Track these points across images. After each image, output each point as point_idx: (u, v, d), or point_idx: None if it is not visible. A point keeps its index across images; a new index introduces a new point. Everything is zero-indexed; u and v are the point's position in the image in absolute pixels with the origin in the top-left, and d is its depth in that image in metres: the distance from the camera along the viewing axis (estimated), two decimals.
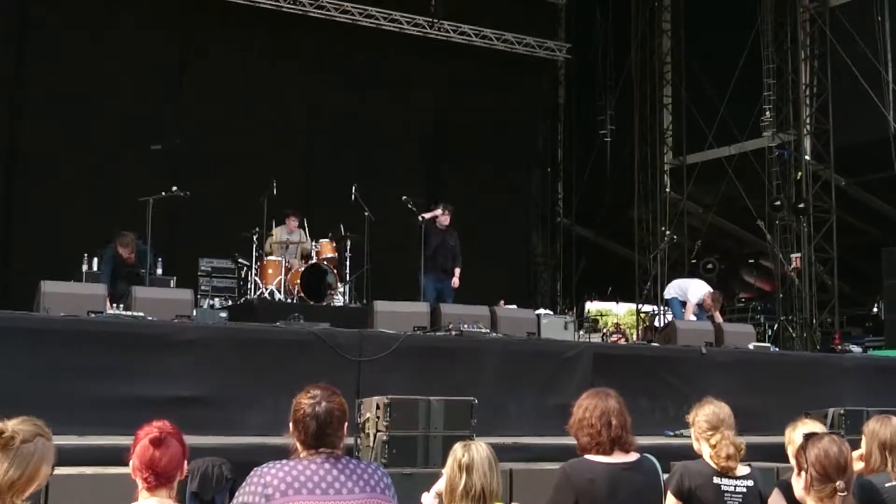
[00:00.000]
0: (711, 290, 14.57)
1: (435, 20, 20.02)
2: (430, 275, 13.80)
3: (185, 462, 3.72)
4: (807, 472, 3.85)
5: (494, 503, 4.43)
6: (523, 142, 22.20)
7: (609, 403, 4.50)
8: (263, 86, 18.36)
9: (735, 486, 4.84)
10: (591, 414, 4.47)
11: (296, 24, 18.90)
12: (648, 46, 22.11)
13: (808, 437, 3.95)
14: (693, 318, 14.15)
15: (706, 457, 4.92)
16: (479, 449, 4.50)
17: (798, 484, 3.93)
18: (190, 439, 6.93)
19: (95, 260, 13.18)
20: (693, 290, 14.58)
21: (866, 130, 18.10)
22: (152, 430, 3.65)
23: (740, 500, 4.84)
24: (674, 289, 15.20)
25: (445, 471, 4.53)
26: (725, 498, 4.82)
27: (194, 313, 10.65)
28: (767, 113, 19.11)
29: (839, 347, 14.48)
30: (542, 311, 15.80)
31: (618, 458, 4.45)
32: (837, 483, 3.76)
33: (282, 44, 18.81)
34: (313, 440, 3.56)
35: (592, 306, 23.82)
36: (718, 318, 14.27)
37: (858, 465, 4.86)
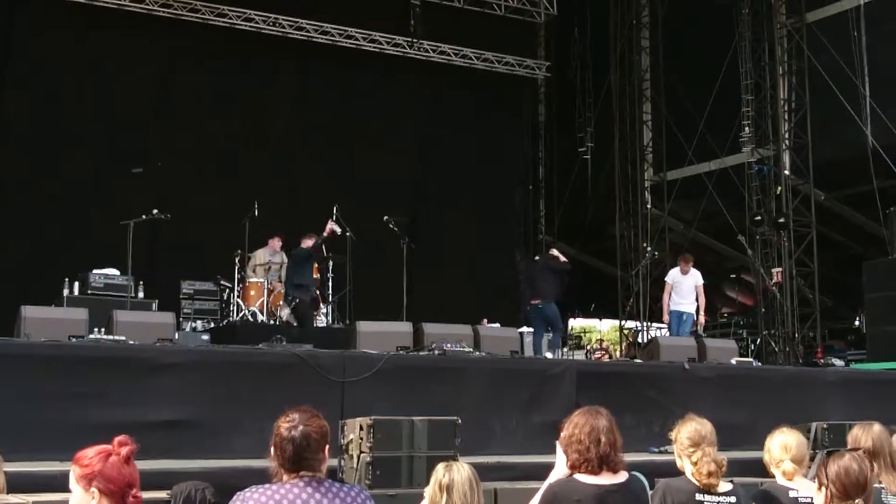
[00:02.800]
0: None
1: (415, 40, 20.08)
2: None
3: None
4: (827, 489, 3.88)
5: None
6: (505, 160, 22.23)
7: (599, 421, 4.45)
8: (245, 108, 18.35)
9: (718, 503, 4.84)
10: (581, 431, 4.42)
11: (276, 45, 18.90)
12: (627, 64, 22.22)
13: (830, 453, 3.99)
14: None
15: (688, 474, 4.92)
16: (461, 469, 4.48)
17: (818, 499, 3.96)
18: (173, 463, 6.94)
19: (77, 284, 13.13)
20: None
21: (845, 145, 18.22)
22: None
23: None
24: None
25: (427, 491, 4.52)
26: None
27: (176, 336, 10.63)
28: (746, 128, 19.23)
29: (821, 361, 14.48)
30: (525, 329, 15.80)
31: (606, 478, 4.39)
32: (857, 501, 3.81)
33: (262, 65, 18.82)
34: (291, 464, 3.55)
35: (576, 323, 23.87)
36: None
37: None
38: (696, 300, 15.06)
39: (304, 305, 13.43)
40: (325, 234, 13.64)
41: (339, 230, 13.93)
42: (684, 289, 15.06)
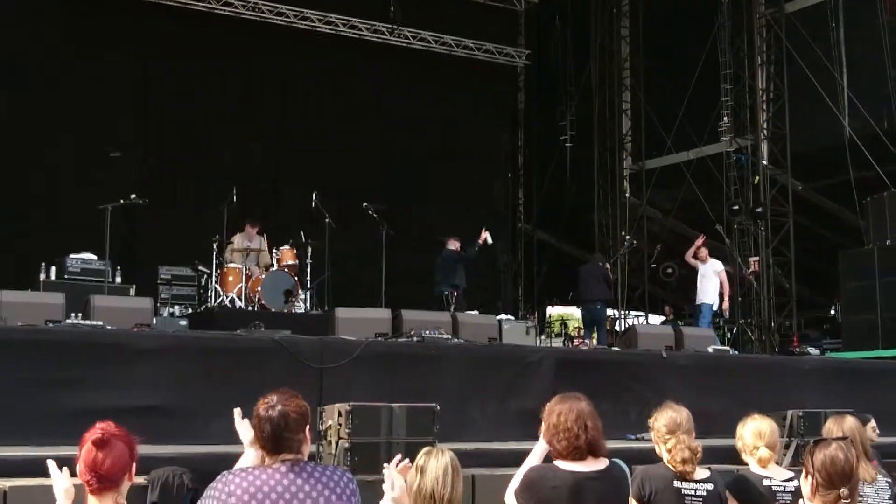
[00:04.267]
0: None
1: (395, 26, 20.03)
2: None
3: (134, 465, 3.58)
4: (812, 477, 3.91)
5: None
6: (484, 148, 22.23)
7: (582, 406, 4.44)
8: (223, 93, 18.29)
9: (695, 490, 4.87)
10: (567, 418, 4.37)
11: (255, 31, 18.84)
12: (607, 52, 22.26)
13: (817, 442, 4.02)
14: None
15: (667, 460, 4.94)
16: (441, 455, 4.49)
17: (805, 487, 3.99)
18: (151, 449, 6.91)
19: (53, 269, 13.06)
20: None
21: (822, 135, 18.31)
22: (96, 431, 3.51)
23: (700, 503, 4.87)
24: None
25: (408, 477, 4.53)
26: (686, 501, 4.85)
27: (154, 322, 10.58)
28: (725, 118, 19.31)
29: (797, 350, 14.57)
30: (503, 316, 15.84)
31: (587, 465, 4.36)
32: (842, 490, 3.83)
33: (241, 51, 18.73)
34: (271, 445, 3.53)
35: (554, 311, 23.90)
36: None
37: None
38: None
39: (461, 302, 14.37)
40: (479, 242, 14.61)
41: (490, 240, 14.73)
42: None
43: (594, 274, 16.16)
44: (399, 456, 4.54)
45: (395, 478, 4.49)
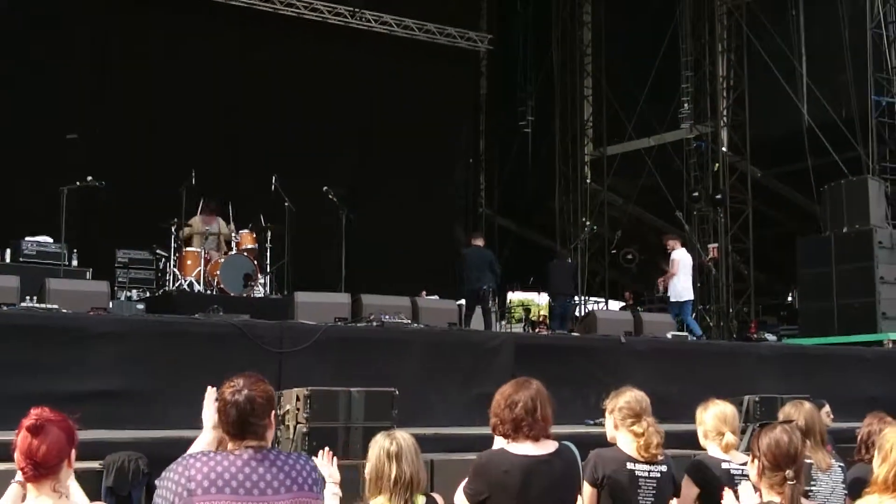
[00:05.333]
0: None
1: (356, 9, 19.93)
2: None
3: (73, 450, 3.48)
4: (759, 460, 3.99)
5: (417, 495, 4.42)
6: (445, 133, 22.21)
7: (529, 391, 4.44)
8: (184, 75, 18.11)
9: (649, 472, 4.89)
10: (511, 400, 4.41)
11: (217, 13, 18.68)
12: (569, 39, 22.28)
13: (763, 426, 4.08)
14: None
15: (623, 444, 4.95)
16: (405, 437, 4.49)
17: (752, 470, 4.06)
18: (106, 433, 6.85)
19: (8, 252, 12.90)
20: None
21: (781, 123, 18.45)
22: (31, 417, 3.40)
23: (654, 485, 4.89)
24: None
25: (370, 460, 4.49)
26: (640, 483, 4.87)
27: (111, 305, 10.48)
28: (685, 105, 19.41)
29: (755, 336, 14.74)
30: (463, 301, 15.83)
31: (535, 448, 4.39)
32: (787, 472, 3.91)
33: (202, 33, 18.58)
34: (236, 429, 3.47)
35: (515, 296, 23.96)
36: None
37: None
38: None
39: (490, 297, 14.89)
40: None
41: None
42: None
43: (563, 269, 16.68)
44: (326, 451, 4.60)
45: (332, 469, 4.52)
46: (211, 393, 3.84)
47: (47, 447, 3.38)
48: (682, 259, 15.42)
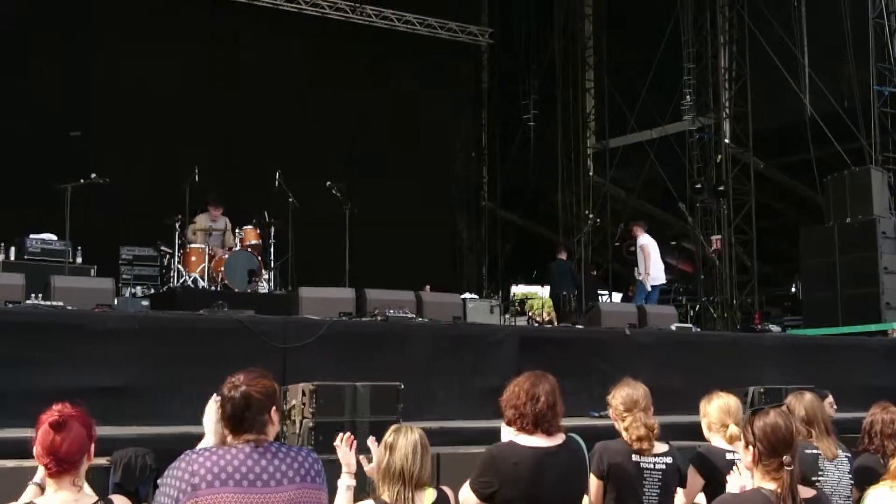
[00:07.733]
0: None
1: (357, 4, 19.93)
2: None
3: (92, 445, 3.54)
4: (754, 447, 3.87)
5: (423, 488, 4.45)
6: (448, 126, 22.22)
7: (549, 385, 4.51)
8: (186, 72, 18.13)
9: (654, 464, 4.92)
10: (533, 394, 4.45)
11: (216, 8, 18.67)
12: (571, 31, 22.24)
13: (755, 412, 3.98)
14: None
15: (624, 437, 4.99)
16: (409, 433, 4.51)
17: (745, 458, 3.96)
18: (113, 430, 6.87)
19: (13, 249, 12.92)
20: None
21: (784, 114, 18.44)
22: (53, 413, 3.46)
23: (659, 476, 4.92)
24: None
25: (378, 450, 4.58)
26: (645, 475, 4.90)
27: (115, 302, 10.50)
28: (688, 97, 19.37)
29: (759, 327, 14.70)
30: (467, 295, 15.86)
31: (544, 440, 4.43)
32: (784, 458, 3.80)
33: (203, 29, 18.58)
34: (232, 425, 3.51)
35: (518, 290, 23.90)
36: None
37: None
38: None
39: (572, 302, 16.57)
40: None
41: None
42: None
43: (565, 270, 17.56)
44: (346, 434, 4.62)
45: (349, 456, 4.55)
46: (213, 401, 3.88)
47: (70, 443, 3.44)
48: (650, 243, 16.24)
